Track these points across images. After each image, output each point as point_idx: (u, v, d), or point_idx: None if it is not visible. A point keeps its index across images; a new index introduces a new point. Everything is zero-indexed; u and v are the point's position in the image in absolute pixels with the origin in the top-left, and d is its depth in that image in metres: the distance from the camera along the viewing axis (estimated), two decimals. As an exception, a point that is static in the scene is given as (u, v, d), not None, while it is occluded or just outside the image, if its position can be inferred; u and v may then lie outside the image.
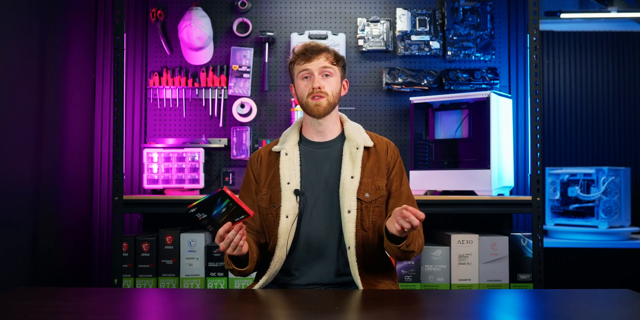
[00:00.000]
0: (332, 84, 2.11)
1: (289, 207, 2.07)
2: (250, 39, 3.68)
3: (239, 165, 3.60)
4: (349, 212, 2.04)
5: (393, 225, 1.86)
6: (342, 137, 2.18)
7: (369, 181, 2.10)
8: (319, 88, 2.08)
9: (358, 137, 2.15)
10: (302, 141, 2.19)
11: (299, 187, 2.09)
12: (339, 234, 2.06)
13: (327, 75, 2.11)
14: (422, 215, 1.82)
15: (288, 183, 2.09)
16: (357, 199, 2.06)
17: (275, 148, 2.18)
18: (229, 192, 1.78)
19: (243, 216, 1.82)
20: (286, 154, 2.14)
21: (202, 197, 1.82)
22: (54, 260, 3.13)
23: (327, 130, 2.17)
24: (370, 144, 2.15)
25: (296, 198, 2.07)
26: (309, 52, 2.10)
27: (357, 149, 2.12)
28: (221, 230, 1.83)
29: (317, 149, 2.16)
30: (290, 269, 2.08)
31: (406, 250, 1.97)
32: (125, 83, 3.34)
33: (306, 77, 2.12)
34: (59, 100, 3.19)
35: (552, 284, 4.20)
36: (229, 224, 1.83)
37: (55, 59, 3.13)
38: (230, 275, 3.04)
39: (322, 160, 2.14)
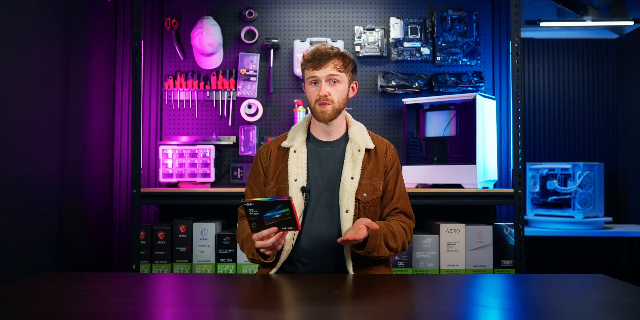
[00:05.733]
0: (338, 91, 2.05)
1: (295, 203, 2.01)
2: (257, 45, 3.67)
3: (246, 160, 3.59)
4: (347, 211, 2.01)
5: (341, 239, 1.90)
6: (346, 137, 2.14)
7: (368, 182, 2.06)
8: (325, 96, 2.02)
9: (360, 139, 2.11)
10: (310, 139, 2.15)
11: (305, 184, 2.05)
12: (337, 230, 2.04)
13: (334, 82, 2.04)
14: (358, 237, 1.88)
15: (295, 180, 2.05)
16: (356, 199, 2.03)
17: (285, 144, 2.13)
18: (293, 203, 1.74)
19: (292, 228, 1.79)
20: (295, 152, 2.10)
21: (265, 198, 1.76)
22: (78, 247, 3.13)
23: (333, 131, 2.12)
24: (371, 146, 2.11)
25: (302, 195, 2.04)
26: (317, 60, 2.02)
27: (359, 151, 2.08)
28: (265, 232, 1.81)
29: (323, 147, 2.12)
30: (293, 260, 2.06)
31: (370, 256, 1.98)
32: (142, 86, 3.33)
33: (314, 83, 2.06)
34: (82, 101, 3.18)
35: (533, 269, 4.20)
36: (274, 229, 1.79)
37: (78, 64, 3.12)
38: (239, 261, 3.04)
39: (326, 160, 2.10)
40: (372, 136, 2.16)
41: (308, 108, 2.13)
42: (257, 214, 1.77)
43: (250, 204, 1.75)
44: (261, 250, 1.88)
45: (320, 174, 2.09)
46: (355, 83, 2.15)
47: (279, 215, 1.77)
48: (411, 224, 2.13)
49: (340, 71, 2.05)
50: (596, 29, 4.44)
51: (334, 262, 2.04)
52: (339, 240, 1.89)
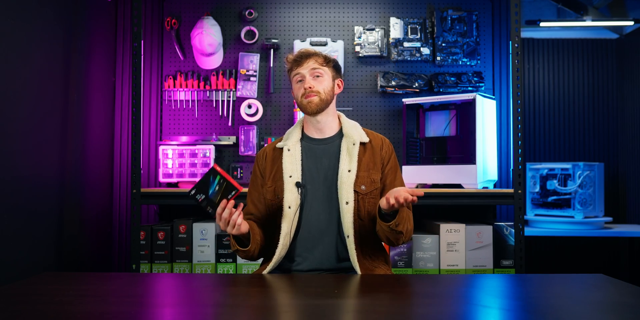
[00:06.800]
0: (323, 83, 2.12)
1: (291, 198, 2.06)
2: (257, 45, 3.67)
3: (246, 160, 3.59)
4: (347, 203, 2.04)
5: (383, 200, 1.87)
6: (340, 134, 2.17)
7: (365, 174, 2.09)
8: (310, 88, 2.09)
9: (354, 133, 2.15)
10: (304, 138, 2.19)
11: (300, 180, 2.08)
12: (337, 223, 2.06)
13: (317, 75, 2.12)
14: (419, 193, 1.84)
15: (290, 176, 2.08)
16: (354, 191, 2.05)
17: (279, 145, 2.18)
18: (218, 168, 1.81)
19: (234, 192, 1.83)
20: (289, 150, 2.14)
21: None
22: (78, 247, 3.13)
23: (325, 127, 2.16)
24: (366, 139, 2.14)
25: (298, 190, 2.07)
26: (299, 58, 2.13)
27: (354, 144, 2.11)
28: (219, 210, 1.85)
29: (317, 145, 2.16)
30: (293, 256, 2.08)
31: (395, 230, 1.95)
32: (142, 86, 3.33)
33: (300, 81, 2.13)
34: (82, 101, 3.18)
35: (533, 270, 4.20)
36: (224, 201, 1.85)
37: (78, 64, 3.12)
38: (239, 261, 3.04)
39: (321, 156, 2.13)
40: (367, 131, 2.20)
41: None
42: (204, 196, 1.84)
43: (194, 191, 1.84)
44: (227, 230, 1.90)
45: (316, 169, 2.12)
46: (341, 81, 2.21)
47: (217, 187, 1.83)
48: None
49: (322, 65, 2.13)
50: (596, 29, 4.44)
51: (336, 255, 2.06)
52: (391, 202, 1.84)
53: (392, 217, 1.95)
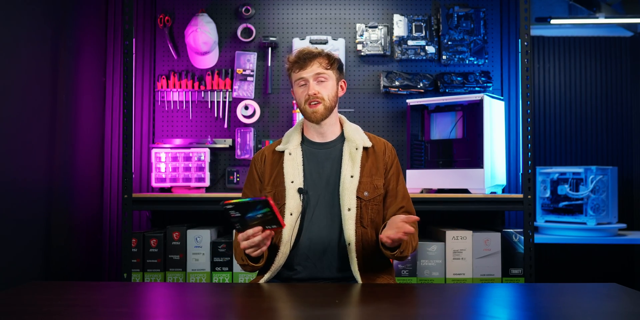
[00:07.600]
0: (327, 89, 2.11)
1: (293, 205, 2.06)
2: (254, 43, 3.68)
3: (243, 164, 3.60)
4: (349, 210, 2.05)
5: (385, 238, 1.88)
6: (342, 137, 2.18)
7: (368, 180, 2.10)
8: (315, 94, 2.08)
9: (357, 137, 2.15)
10: (304, 141, 2.19)
11: (302, 186, 2.09)
12: (339, 230, 2.06)
13: (322, 80, 2.10)
14: (414, 219, 1.86)
15: (292, 182, 2.09)
16: (357, 197, 2.06)
17: (279, 148, 2.18)
18: (272, 202, 1.76)
19: (275, 226, 1.81)
20: (290, 154, 2.14)
21: (243, 198, 1.78)
22: (66, 255, 3.13)
23: (327, 131, 2.17)
24: (369, 144, 2.15)
25: (300, 196, 2.07)
26: (302, 60, 2.10)
27: (357, 149, 2.12)
28: (250, 231, 1.82)
29: (318, 149, 2.16)
30: (292, 264, 2.08)
31: (400, 256, 2.00)
32: (134, 86, 3.34)
33: (302, 84, 2.12)
34: (71, 102, 3.19)
35: (543, 278, 4.20)
36: (259, 228, 1.81)
37: (67, 63, 3.13)
38: (235, 269, 3.04)
39: (323, 160, 2.14)
40: (369, 135, 2.21)
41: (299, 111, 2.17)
42: (239, 215, 1.79)
43: (230, 206, 1.77)
44: (247, 251, 1.88)
45: (318, 174, 2.12)
46: (344, 81, 2.21)
47: (260, 215, 1.79)
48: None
49: (326, 69, 2.12)
50: (609, 26, 4.45)
51: (337, 264, 2.06)
52: (384, 239, 1.88)
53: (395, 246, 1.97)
